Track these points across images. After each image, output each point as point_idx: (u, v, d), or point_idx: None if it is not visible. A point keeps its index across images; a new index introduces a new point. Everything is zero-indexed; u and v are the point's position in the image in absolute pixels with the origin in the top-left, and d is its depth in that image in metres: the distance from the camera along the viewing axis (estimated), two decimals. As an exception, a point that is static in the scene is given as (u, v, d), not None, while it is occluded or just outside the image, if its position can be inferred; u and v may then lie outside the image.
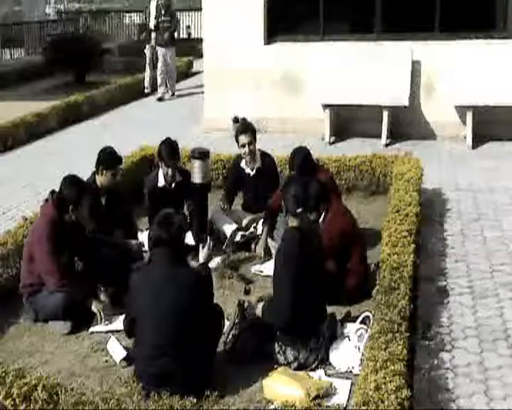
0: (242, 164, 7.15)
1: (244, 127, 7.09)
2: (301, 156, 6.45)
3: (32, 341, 5.23)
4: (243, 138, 6.97)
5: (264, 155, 7.24)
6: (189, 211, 6.90)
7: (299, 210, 4.83)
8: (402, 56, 10.76)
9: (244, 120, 7.25)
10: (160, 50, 15.47)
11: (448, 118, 10.68)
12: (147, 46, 16.14)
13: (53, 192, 5.73)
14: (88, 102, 13.95)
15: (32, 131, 11.89)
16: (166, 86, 15.73)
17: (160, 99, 15.50)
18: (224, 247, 6.65)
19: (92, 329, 5.32)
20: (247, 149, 6.96)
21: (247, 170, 7.13)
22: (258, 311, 4.85)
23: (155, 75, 15.79)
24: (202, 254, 5.49)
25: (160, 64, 15.46)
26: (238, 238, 6.81)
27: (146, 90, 16.13)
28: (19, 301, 5.63)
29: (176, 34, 16.14)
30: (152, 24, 15.68)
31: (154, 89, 16.03)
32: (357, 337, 4.74)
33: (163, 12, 15.45)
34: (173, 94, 15.85)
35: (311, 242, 4.80)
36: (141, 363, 4.39)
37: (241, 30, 11.49)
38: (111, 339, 5.02)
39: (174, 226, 4.49)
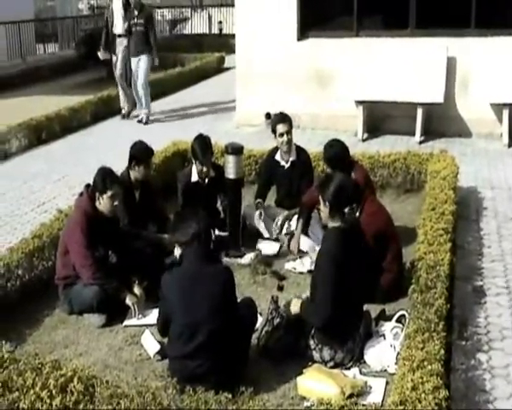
0: (277, 156, 7.13)
1: (282, 117, 7.08)
2: (336, 149, 6.38)
3: (67, 333, 5.26)
4: (281, 127, 6.96)
5: (300, 148, 7.21)
6: (223, 206, 6.91)
7: (346, 209, 4.74)
8: (437, 53, 10.64)
9: (281, 112, 7.23)
10: (133, 61, 12.64)
11: (483, 115, 10.55)
12: (113, 56, 13.01)
13: (88, 186, 5.76)
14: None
15: (66, 125, 11.98)
16: (131, 109, 13.16)
17: (139, 121, 12.72)
18: (275, 234, 6.76)
19: (126, 322, 5.34)
20: (285, 137, 6.95)
21: (282, 162, 7.11)
22: (296, 308, 4.79)
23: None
24: (249, 257, 5.70)
25: (134, 78, 12.70)
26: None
27: (123, 111, 13.17)
28: (54, 293, 5.66)
29: (153, 39, 12.63)
30: (119, 28, 12.80)
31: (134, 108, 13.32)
32: (392, 336, 4.70)
33: (136, 13, 12.47)
34: (146, 122, 12.67)
35: (355, 242, 4.74)
36: (175, 362, 4.38)
37: (273, 25, 11.46)
38: (145, 333, 5.03)
39: (202, 223, 4.46)
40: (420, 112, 10.42)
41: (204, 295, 4.29)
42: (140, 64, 12.50)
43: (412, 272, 5.40)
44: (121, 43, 12.90)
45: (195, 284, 4.33)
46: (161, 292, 4.53)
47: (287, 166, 7.10)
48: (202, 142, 6.79)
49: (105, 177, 5.65)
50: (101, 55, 13.25)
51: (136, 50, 12.51)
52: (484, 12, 10.66)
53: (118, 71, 12.98)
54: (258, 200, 7.08)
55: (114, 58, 13.01)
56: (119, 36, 12.89)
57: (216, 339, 4.26)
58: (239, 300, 4.66)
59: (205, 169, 6.75)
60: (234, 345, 4.36)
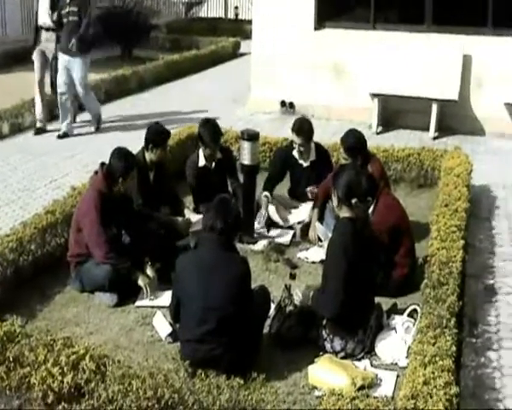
0: (295, 153, 7.00)
1: (298, 127, 6.85)
2: (353, 138, 6.38)
3: (79, 311, 5.28)
4: (295, 138, 6.85)
5: (319, 147, 7.11)
6: (233, 188, 6.89)
7: (354, 200, 4.76)
8: (453, 50, 10.59)
9: (302, 120, 7.08)
10: (63, 59, 9.96)
11: (497, 114, 10.50)
12: (34, 52, 10.35)
13: (103, 164, 5.76)
14: (135, 76, 13.99)
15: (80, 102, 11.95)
16: (73, 118, 10.54)
17: (62, 136, 10.05)
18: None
19: (138, 303, 5.36)
20: (300, 148, 6.87)
21: (300, 160, 7.01)
22: (307, 298, 4.81)
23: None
24: (262, 243, 5.78)
25: (59, 80, 10.03)
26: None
27: (38, 125, 10.36)
28: (66, 270, 5.68)
29: (90, 32, 10.21)
30: (45, 18, 10.15)
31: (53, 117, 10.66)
32: (403, 330, 4.71)
33: (68, 0, 9.90)
34: (97, 128, 10.49)
35: (364, 233, 4.75)
36: (186, 346, 4.39)
37: (291, 14, 11.41)
38: (157, 314, 5.05)
39: (231, 216, 4.47)
40: (434, 108, 10.39)
41: (219, 282, 4.30)
42: (74, 66, 9.98)
43: (425, 268, 5.41)
44: (49, 39, 10.26)
45: (212, 270, 4.34)
46: (175, 275, 4.55)
47: (305, 164, 6.99)
48: (212, 127, 6.76)
49: (127, 162, 5.65)
50: (34, 55, 10.40)
51: (67, 47, 9.90)
52: (501, 11, 10.58)
53: (37, 71, 10.32)
54: (266, 193, 6.91)
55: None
56: (47, 29, 10.22)
57: (228, 325, 4.28)
58: (252, 287, 4.67)
59: (213, 153, 6.74)
60: (246, 332, 4.38)
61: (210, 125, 6.79)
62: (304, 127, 6.87)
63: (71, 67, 9.98)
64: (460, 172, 7.25)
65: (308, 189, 6.90)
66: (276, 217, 6.83)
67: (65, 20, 9.95)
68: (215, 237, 4.42)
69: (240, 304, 4.34)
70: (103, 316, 5.21)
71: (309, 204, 6.83)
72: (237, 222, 4.60)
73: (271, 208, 6.84)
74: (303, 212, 6.84)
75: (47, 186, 8.03)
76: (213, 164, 6.85)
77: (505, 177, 8.58)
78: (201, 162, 6.85)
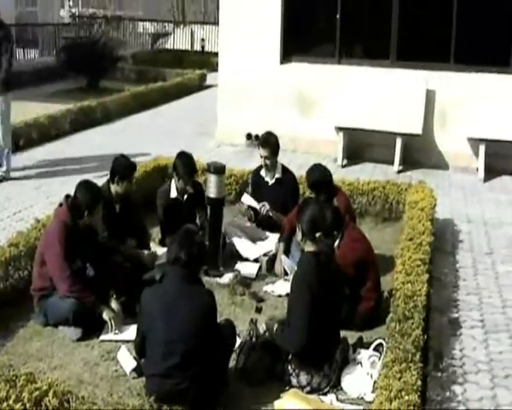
0: (262, 172, 7.28)
1: (264, 140, 7.21)
2: (318, 173, 6.45)
3: (42, 345, 5.19)
4: (261, 151, 7.17)
5: (285, 168, 7.35)
6: (201, 222, 6.91)
7: (318, 234, 4.78)
8: (416, 85, 10.79)
9: (269, 133, 7.27)
10: None
11: (460, 149, 10.70)
12: None
13: (67, 196, 5.70)
14: (101, 107, 13.95)
15: (44, 133, 11.89)
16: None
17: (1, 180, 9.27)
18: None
19: (102, 337, 5.28)
20: (265, 161, 7.13)
21: (267, 178, 7.23)
22: (271, 330, 4.80)
23: None
24: (228, 277, 5.82)
25: None
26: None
27: None
28: (29, 304, 5.59)
29: (9, 65, 8.92)
30: None
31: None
32: (369, 364, 4.71)
33: None
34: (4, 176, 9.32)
35: (329, 267, 4.77)
36: (152, 380, 4.33)
37: (257, 47, 11.54)
38: (121, 349, 4.98)
39: (195, 247, 4.45)
40: (399, 142, 10.54)
41: (183, 315, 4.27)
42: None
43: (390, 301, 5.44)
44: None
45: (175, 303, 4.31)
46: (140, 308, 4.51)
47: (271, 181, 7.22)
48: (188, 163, 6.79)
49: (93, 195, 5.62)
50: None
51: None
52: (463, 48, 10.85)
53: None
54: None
55: None
56: None
57: (193, 359, 4.24)
58: (218, 321, 4.64)
59: (186, 186, 6.76)
60: (212, 365, 4.34)
61: (185, 159, 6.81)
62: (270, 140, 7.17)
63: None
64: (424, 206, 7.33)
65: (260, 204, 7.01)
66: (243, 250, 6.84)
67: None
68: (179, 269, 4.40)
69: (205, 337, 4.31)
70: (67, 350, 5.13)
71: (276, 235, 6.86)
72: (202, 255, 4.58)
73: (237, 240, 6.86)
74: (269, 244, 6.86)
75: (10, 218, 7.93)
76: (185, 197, 6.85)
77: (468, 211, 8.71)
78: (173, 194, 6.86)
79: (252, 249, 6.85)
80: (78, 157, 10.70)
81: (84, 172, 9.07)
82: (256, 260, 6.78)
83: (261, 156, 7.16)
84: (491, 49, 10.75)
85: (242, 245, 6.86)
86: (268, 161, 7.11)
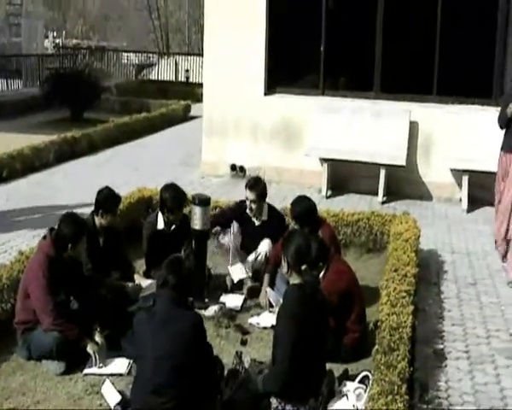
0: (249, 211, 7.11)
1: (252, 183, 7.04)
2: (303, 205, 6.46)
3: (25, 379, 5.13)
4: (248, 194, 7.01)
5: (272, 209, 7.24)
6: (186, 254, 6.88)
7: (304, 266, 4.78)
8: (400, 116, 10.89)
9: (258, 176, 7.22)
10: None
11: (444, 180, 10.77)
12: None
13: (51, 229, 5.68)
14: (85, 138, 13.93)
15: (28, 164, 11.86)
16: None
17: None
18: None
19: (86, 371, 5.23)
20: (252, 204, 7.00)
21: (253, 219, 7.13)
22: (258, 380, 4.75)
23: None
24: (213, 309, 5.88)
25: None
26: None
27: None
28: (12, 337, 5.53)
29: None
30: None
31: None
32: (355, 396, 4.69)
33: None
34: None
35: (315, 299, 4.76)
36: (140, 398, 4.37)
37: (241, 78, 11.58)
38: (106, 382, 4.93)
39: (183, 271, 4.55)
40: (383, 173, 10.59)
41: (172, 332, 4.36)
42: None
43: (375, 333, 5.44)
44: None
45: (164, 323, 4.40)
46: (132, 331, 4.59)
47: (257, 223, 7.12)
48: (176, 194, 6.75)
49: (77, 228, 5.59)
50: None
51: None
52: (446, 80, 10.99)
53: None
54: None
55: None
56: None
57: (181, 376, 4.29)
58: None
59: (176, 219, 6.74)
60: (198, 391, 4.35)
61: (174, 192, 6.76)
62: (258, 184, 7.05)
63: None
64: (408, 237, 7.36)
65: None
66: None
67: None
68: (168, 292, 4.49)
69: (192, 354, 4.37)
70: (50, 385, 5.07)
71: (267, 241, 6.90)
72: (190, 279, 4.66)
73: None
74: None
75: (-6, 250, 7.89)
76: (172, 229, 6.83)
77: (452, 241, 8.75)
78: (160, 226, 6.83)
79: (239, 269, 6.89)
80: (61, 189, 10.68)
81: (68, 203, 9.02)
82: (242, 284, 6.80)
83: (247, 199, 7.04)
84: (473, 81, 10.87)
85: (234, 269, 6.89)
86: (254, 205, 7.00)
